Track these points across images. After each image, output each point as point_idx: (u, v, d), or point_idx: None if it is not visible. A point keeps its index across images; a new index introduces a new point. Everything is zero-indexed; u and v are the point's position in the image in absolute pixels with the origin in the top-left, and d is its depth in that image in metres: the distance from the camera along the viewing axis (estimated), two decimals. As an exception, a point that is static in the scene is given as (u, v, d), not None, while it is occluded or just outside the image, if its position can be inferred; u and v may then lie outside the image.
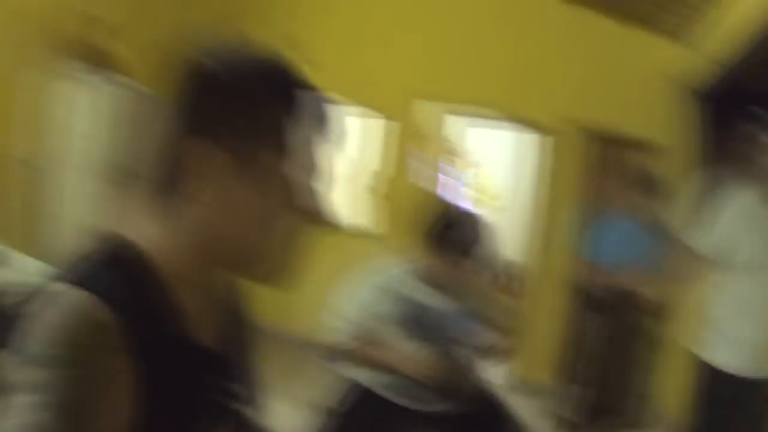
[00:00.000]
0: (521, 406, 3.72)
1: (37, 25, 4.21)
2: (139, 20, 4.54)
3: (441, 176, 4.89)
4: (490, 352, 2.45)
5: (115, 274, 0.73)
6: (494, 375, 3.21)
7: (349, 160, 5.60)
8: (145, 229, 0.80)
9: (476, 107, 4.86)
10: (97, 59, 4.38)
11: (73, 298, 0.67)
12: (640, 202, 3.51)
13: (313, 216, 0.83)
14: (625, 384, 2.31)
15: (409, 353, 2.32)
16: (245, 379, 1.00)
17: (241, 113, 0.78)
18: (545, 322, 4.04)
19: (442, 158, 4.91)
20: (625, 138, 4.34)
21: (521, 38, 4.72)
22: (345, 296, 2.39)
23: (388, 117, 5.09)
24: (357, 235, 5.11)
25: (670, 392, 2.84)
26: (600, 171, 4.39)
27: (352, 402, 2.43)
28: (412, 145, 4.93)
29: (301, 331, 4.68)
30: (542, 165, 4.61)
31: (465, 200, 6.86)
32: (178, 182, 0.78)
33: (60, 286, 0.69)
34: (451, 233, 2.25)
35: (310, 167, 0.82)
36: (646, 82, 4.21)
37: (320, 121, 0.84)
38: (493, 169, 6.91)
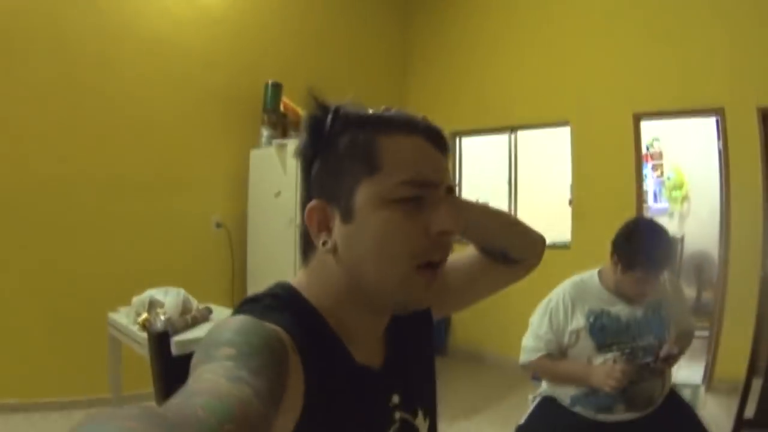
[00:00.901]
0: (712, 406, 3.55)
1: (229, 98, 4.84)
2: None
3: (635, 181, 4.81)
4: (674, 360, 2.35)
5: (281, 310, 0.82)
6: (689, 374, 3.10)
7: (544, 174, 5.70)
8: (300, 278, 0.92)
9: (660, 105, 4.71)
10: (286, 123, 4.86)
11: (248, 317, 0.76)
12: None
13: (441, 237, 0.85)
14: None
15: (599, 365, 2.29)
16: (420, 396, 1.05)
17: (331, 167, 0.87)
18: (740, 316, 3.80)
19: (634, 162, 4.82)
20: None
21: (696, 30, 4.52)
22: (538, 312, 2.44)
23: (579, 127, 5.11)
24: (554, 248, 5.20)
25: None
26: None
27: (538, 416, 2.49)
28: (604, 152, 4.90)
29: (507, 351, 4.86)
30: (725, 151, 4.41)
31: (658, 202, 6.70)
32: (310, 237, 0.89)
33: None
34: (640, 251, 2.21)
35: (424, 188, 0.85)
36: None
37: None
38: (681, 162, 6.61)
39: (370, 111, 0.88)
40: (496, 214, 1.16)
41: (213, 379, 0.57)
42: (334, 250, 0.86)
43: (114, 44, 4.24)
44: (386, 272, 0.84)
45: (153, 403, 0.49)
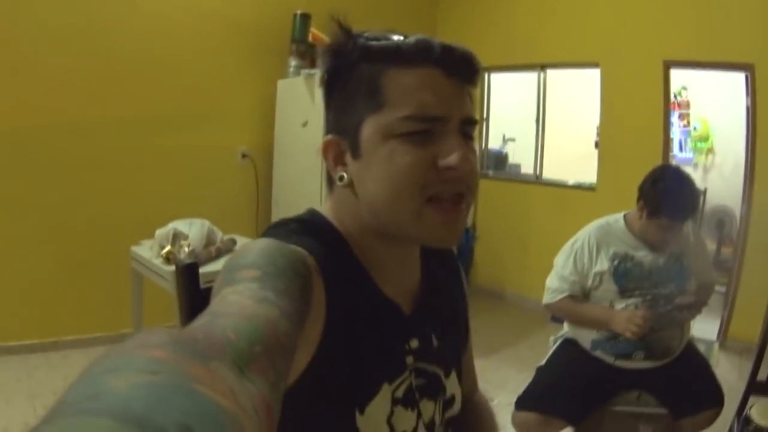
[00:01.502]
0: (724, 364, 3.63)
1: (256, 30, 4.75)
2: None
3: (662, 128, 4.76)
4: (695, 310, 2.40)
5: (306, 234, 0.82)
6: (704, 330, 3.12)
7: (571, 115, 5.65)
8: (327, 206, 0.92)
9: (691, 55, 4.58)
10: (314, 53, 4.76)
11: (272, 240, 0.75)
12: None
13: (454, 173, 0.81)
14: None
15: (620, 309, 2.34)
16: (455, 352, 1.05)
17: (342, 101, 0.86)
18: (758, 275, 3.89)
19: (662, 109, 4.76)
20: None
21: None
22: (563, 253, 2.49)
23: (608, 70, 5.02)
24: (580, 189, 5.26)
25: None
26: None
27: (558, 358, 2.54)
28: (632, 97, 4.83)
29: (528, 292, 4.92)
30: (753, 108, 4.33)
31: (683, 151, 6.59)
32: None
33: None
34: (665, 198, 2.24)
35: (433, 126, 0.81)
36: None
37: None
38: (708, 115, 6.47)
39: (392, 38, 0.83)
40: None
41: (239, 301, 0.55)
42: (351, 184, 0.85)
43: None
44: (397, 208, 0.81)
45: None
